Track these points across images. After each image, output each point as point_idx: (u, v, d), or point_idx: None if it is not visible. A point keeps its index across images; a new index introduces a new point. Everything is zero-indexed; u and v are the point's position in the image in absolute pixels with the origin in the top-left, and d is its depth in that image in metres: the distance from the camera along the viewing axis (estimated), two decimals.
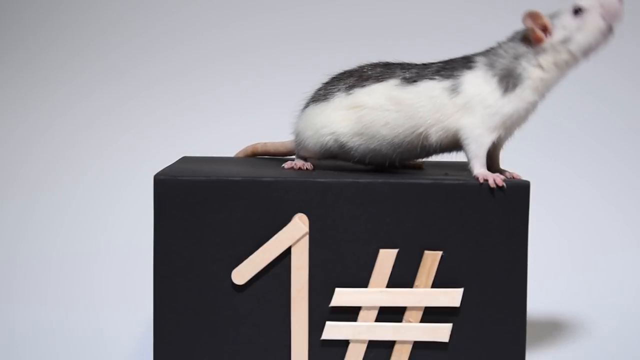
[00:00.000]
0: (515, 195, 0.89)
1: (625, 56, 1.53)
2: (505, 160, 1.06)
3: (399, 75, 0.97)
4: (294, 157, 1.08)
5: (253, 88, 1.51)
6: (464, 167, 1.02)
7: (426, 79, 0.96)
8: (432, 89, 0.95)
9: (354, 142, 0.98)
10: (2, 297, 1.34)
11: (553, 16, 0.96)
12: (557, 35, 0.94)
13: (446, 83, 0.95)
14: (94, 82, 1.52)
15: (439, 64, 0.98)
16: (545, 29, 0.94)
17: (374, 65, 1.00)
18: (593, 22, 0.94)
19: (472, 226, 0.89)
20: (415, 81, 0.96)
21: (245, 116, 1.51)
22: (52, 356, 1.12)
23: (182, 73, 1.52)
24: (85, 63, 1.53)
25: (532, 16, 0.94)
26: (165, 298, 0.90)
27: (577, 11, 0.94)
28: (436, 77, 0.95)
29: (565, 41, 0.94)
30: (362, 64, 1.01)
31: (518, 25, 0.96)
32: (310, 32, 1.49)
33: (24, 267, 1.43)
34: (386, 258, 0.89)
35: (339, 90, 1.00)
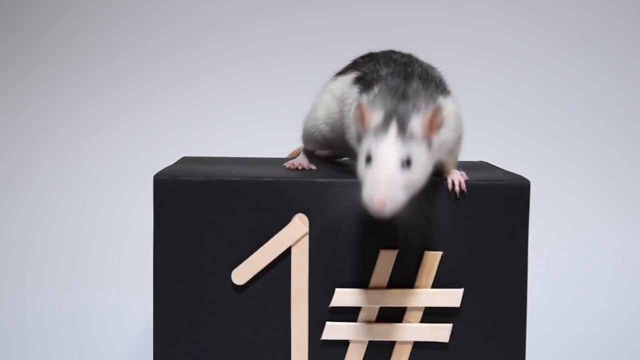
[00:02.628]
0: (515, 195, 0.89)
1: (627, 55, 1.53)
2: (506, 160, 1.06)
3: (361, 71, 0.91)
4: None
5: (254, 89, 1.51)
6: (466, 166, 1.02)
7: (359, 84, 0.88)
8: (352, 96, 0.89)
9: (324, 129, 0.97)
10: (2, 296, 1.34)
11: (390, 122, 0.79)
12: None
13: (358, 96, 0.87)
14: (94, 83, 1.52)
15: (392, 68, 0.88)
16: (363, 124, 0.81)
17: (370, 56, 0.95)
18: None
19: (472, 226, 0.89)
20: (355, 83, 0.90)
21: (246, 117, 1.51)
22: (52, 355, 1.12)
23: (182, 74, 1.52)
24: (87, 65, 1.53)
25: (362, 110, 0.81)
26: (165, 298, 0.89)
27: (367, 159, 0.79)
28: (361, 85, 0.88)
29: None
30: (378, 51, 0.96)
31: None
32: (316, 42, 1.49)
33: (24, 267, 1.43)
34: (386, 258, 0.89)
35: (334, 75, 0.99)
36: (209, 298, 0.89)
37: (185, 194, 0.89)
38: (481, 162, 1.10)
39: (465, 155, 1.02)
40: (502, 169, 1.01)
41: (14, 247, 1.47)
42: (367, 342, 0.90)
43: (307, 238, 0.89)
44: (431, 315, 0.90)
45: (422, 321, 0.90)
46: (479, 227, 0.89)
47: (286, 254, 0.89)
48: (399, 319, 0.90)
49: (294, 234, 0.89)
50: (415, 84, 0.84)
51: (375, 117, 0.80)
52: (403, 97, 0.82)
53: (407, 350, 0.90)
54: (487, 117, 1.46)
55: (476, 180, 0.89)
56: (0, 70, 1.52)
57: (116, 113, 1.52)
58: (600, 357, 1.13)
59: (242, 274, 0.89)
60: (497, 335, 0.90)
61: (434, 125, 0.80)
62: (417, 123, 0.80)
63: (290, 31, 1.50)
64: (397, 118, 0.79)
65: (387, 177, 0.76)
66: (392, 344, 0.90)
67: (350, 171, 0.96)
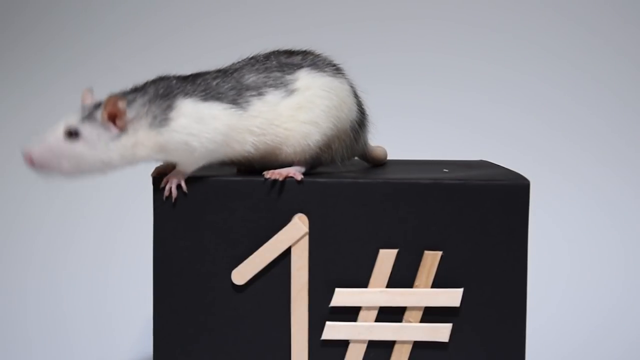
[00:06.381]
0: (515, 195, 0.89)
1: (627, 54, 1.53)
2: (506, 159, 1.05)
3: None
4: None
5: None
6: (465, 164, 1.02)
7: None
8: None
9: None
10: (2, 296, 1.34)
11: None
12: None
13: None
14: (92, 80, 1.52)
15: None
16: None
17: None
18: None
19: (472, 226, 0.89)
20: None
21: None
22: (52, 355, 1.12)
23: (182, 72, 1.52)
24: (84, 61, 1.53)
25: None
26: (165, 298, 0.90)
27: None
28: None
29: None
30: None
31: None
32: (317, 42, 1.49)
33: (23, 267, 1.43)
34: (386, 258, 0.89)
35: None
36: (209, 298, 0.90)
37: (185, 194, 0.89)
38: (481, 160, 1.10)
39: (465, 155, 1.02)
40: (503, 167, 1.01)
41: (14, 246, 1.47)
42: (367, 342, 0.90)
43: (307, 238, 0.89)
44: (431, 315, 0.90)
45: (422, 321, 0.90)
46: (479, 227, 0.89)
47: (286, 254, 0.89)
48: (399, 319, 0.90)
49: (294, 234, 0.89)
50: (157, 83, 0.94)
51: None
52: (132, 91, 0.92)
53: (407, 350, 0.90)
54: (487, 117, 1.46)
55: (476, 180, 0.89)
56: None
57: None
58: (600, 357, 1.13)
59: (242, 274, 0.89)
60: (497, 335, 0.90)
61: (109, 114, 0.86)
62: (99, 110, 0.87)
63: (290, 32, 1.50)
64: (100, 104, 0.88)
65: (45, 136, 0.87)
66: (392, 344, 0.90)
67: (350, 171, 0.97)
